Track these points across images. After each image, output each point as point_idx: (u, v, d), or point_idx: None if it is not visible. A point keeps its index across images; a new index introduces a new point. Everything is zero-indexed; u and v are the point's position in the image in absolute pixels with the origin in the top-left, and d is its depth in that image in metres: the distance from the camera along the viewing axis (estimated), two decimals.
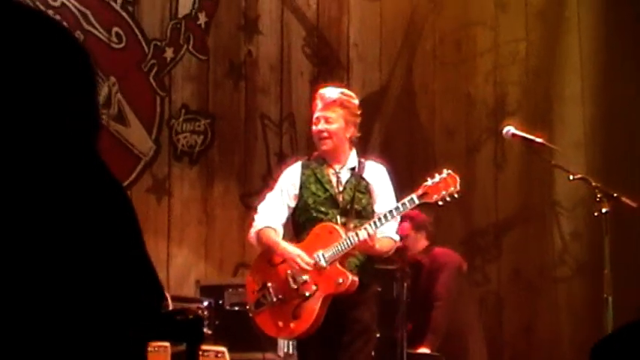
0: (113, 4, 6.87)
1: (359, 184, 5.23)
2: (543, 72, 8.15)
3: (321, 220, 5.13)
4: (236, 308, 6.03)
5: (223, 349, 5.70)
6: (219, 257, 7.00)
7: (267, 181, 7.16)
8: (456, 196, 5.26)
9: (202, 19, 7.11)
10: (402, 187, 6.86)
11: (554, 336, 8.22)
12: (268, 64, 7.27)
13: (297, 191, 5.20)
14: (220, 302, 6.00)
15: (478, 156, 7.95)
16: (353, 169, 5.27)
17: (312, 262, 5.06)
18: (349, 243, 5.05)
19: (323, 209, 5.15)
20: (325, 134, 5.20)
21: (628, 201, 5.88)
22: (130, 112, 6.88)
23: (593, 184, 5.63)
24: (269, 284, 5.15)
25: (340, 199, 5.18)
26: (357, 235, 4.99)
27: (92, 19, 6.79)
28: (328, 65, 7.46)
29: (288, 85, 7.32)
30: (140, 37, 6.96)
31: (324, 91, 5.32)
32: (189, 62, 7.05)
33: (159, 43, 6.98)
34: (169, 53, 7.00)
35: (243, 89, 7.21)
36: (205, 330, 5.80)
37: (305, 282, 5.09)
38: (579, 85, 8.30)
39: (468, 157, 7.90)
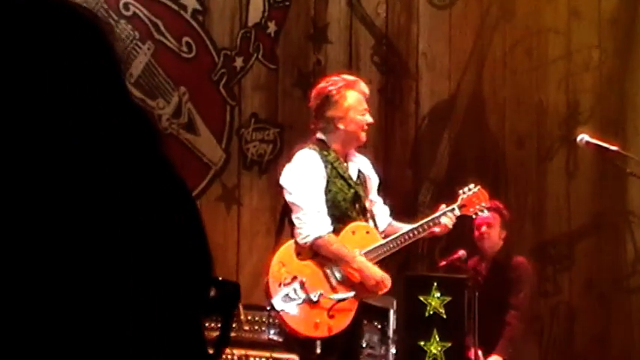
0: (183, 13, 6.93)
1: (361, 179, 5.17)
2: (616, 79, 8.05)
3: (350, 218, 5.00)
4: None
5: (294, 356, 5.71)
6: None
7: None
8: (485, 211, 5.36)
9: (272, 28, 7.15)
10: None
11: (627, 347, 8.09)
12: (337, 73, 7.27)
13: (324, 187, 4.97)
14: None
15: (550, 165, 7.86)
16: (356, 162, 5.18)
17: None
18: (393, 247, 5.00)
19: (350, 207, 5.02)
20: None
21: None
22: (200, 122, 6.94)
23: None
24: (302, 279, 4.92)
25: (361, 196, 5.08)
26: (403, 240, 4.97)
27: (163, 28, 6.87)
28: (397, 74, 7.44)
29: None
30: (210, 46, 7.01)
31: (360, 81, 5.22)
32: (258, 71, 7.09)
33: (229, 53, 7.03)
34: (239, 62, 7.05)
35: None
36: (276, 337, 5.82)
37: (343, 280, 4.96)
38: None
39: (539, 166, 7.82)
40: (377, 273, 4.94)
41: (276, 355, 5.71)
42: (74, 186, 0.98)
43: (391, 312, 5.77)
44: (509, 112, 7.76)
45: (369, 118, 5.11)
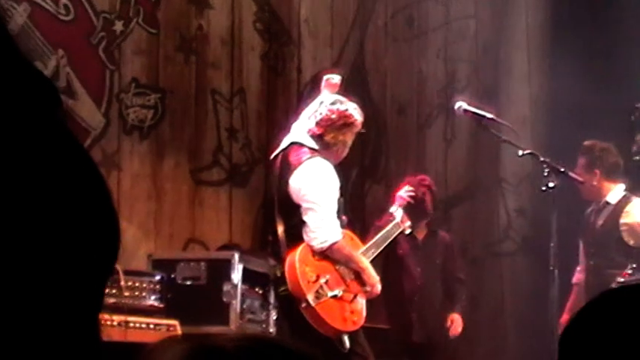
0: None
1: None
2: (492, 49, 8.26)
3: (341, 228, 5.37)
4: (188, 282, 6.02)
5: (175, 322, 5.70)
6: (169, 232, 6.98)
7: (217, 156, 7.16)
8: (408, 232, 6.08)
9: None
10: (352, 165, 6.94)
11: (498, 309, 8.37)
12: (219, 39, 7.25)
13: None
14: (173, 276, 5.99)
15: (429, 132, 8.03)
16: None
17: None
18: (373, 253, 5.54)
19: (341, 217, 5.38)
20: None
21: (575, 176, 6.02)
22: (79, 86, 6.81)
23: (542, 159, 5.75)
24: (327, 276, 5.23)
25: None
26: (377, 248, 5.55)
27: None
28: (279, 41, 7.45)
29: (239, 60, 7.30)
30: (89, 9, 6.88)
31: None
32: (139, 36, 6.99)
33: (108, 16, 6.91)
34: (119, 26, 6.93)
35: (194, 64, 7.17)
36: (157, 304, 5.80)
37: (352, 279, 5.33)
38: (526, 62, 8.44)
39: (419, 133, 7.99)
40: (375, 274, 5.36)
41: (156, 321, 5.70)
42: None
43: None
44: (390, 80, 7.89)
45: None
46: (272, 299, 5.88)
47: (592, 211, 6.52)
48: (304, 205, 5.20)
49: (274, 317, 5.84)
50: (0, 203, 0.90)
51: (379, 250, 5.63)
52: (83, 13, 6.83)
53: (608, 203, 6.44)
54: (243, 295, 5.95)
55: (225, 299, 5.93)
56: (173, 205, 6.98)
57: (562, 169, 5.76)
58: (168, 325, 5.71)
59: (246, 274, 5.96)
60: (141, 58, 7.00)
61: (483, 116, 5.89)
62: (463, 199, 8.11)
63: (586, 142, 6.51)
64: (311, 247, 5.21)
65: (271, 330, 5.82)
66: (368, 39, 7.79)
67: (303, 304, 5.17)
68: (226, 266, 5.97)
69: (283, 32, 7.49)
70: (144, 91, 7.00)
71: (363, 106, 7.81)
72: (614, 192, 6.43)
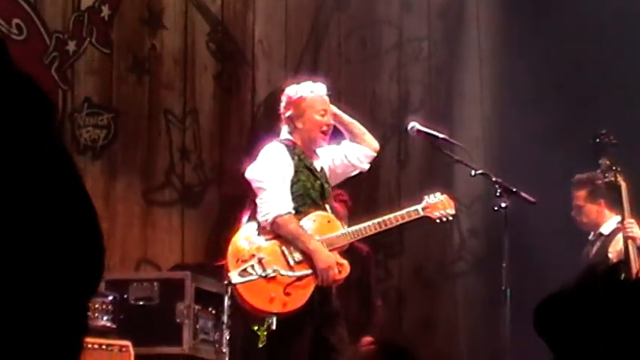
0: None
1: (325, 173, 5.43)
2: (445, 70, 8.34)
3: (319, 207, 5.26)
4: (141, 303, 5.99)
5: (127, 343, 5.66)
6: (120, 253, 6.93)
7: (170, 176, 7.14)
8: (450, 218, 5.68)
9: (105, 11, 7.02)
10: None
11: (453, 329, 8.41)
12: (172, 59, 7.23)
13: (292, 176, 5.21)
14: (125, 296, 5.95)
15: (382, 153, 8.05)
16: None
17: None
18: (352, 238, 5.31)
19: (319, 196, 5.27)
20: (330, 129, 5.40)
21: (527, 196, 6.08)
22: None
23: (494, 179, 5.81)
24: (260, 255, 5.12)
25: (326, 188, 5.34)
26: (362, 233, 5.33)
27: None
28: (233, 61, 7.46)
29: (192, 80, 7.29)
30: (42, 29, 6.84)
31: (319, 86, 5.52)
32: (92, 55, 6.96)
33: (61, 36, 6.88)
34: (72, 46, 6.90)
35: (147, 84, 7.15)
36: (110, 324, 5.75)
37: (301, 261, 5.15)
38: (478, 83, 8.53)
39: None
40: (330, 257, 5.14)
41: (108, 341, 5.65)
42: None
43: (226, 298, 5.81)
44: (343, 101, 7.91)
45: (327, 119, 5.37)
46: (225, 319, 5.86)
47: (589, 241, 6.62)
48: (254, 185, 5.20)
49: (227, 337, 5.82)
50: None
51: (375, 232, 5.46)
52: (36, 32, 6.80)
53: (601, 234, 6.53)
54: (196, 315, 5.93)
55: (178, 319, 5.91)
56: (125, 225, 6.94)
57: (514, 190, 5.81)
58: (121, 346, 5.67)
59: (199, 294, 5.95)
60: (94, 78, 6.97)
61: (436, 137, 5.92)
62: (417, 220, 8.14)
63: (580, 176, 6.56)
64: (258, 224, 5.16)
65: (224, 350, 5.79)
66: (322, 60, 7.83)
67: (225, 282, 5.15)
68: (179, 286, 5.95)
69: (237, 52, 7.50)
70: (97, 111, 6.97)
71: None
72: (609, 223, 6.52)
